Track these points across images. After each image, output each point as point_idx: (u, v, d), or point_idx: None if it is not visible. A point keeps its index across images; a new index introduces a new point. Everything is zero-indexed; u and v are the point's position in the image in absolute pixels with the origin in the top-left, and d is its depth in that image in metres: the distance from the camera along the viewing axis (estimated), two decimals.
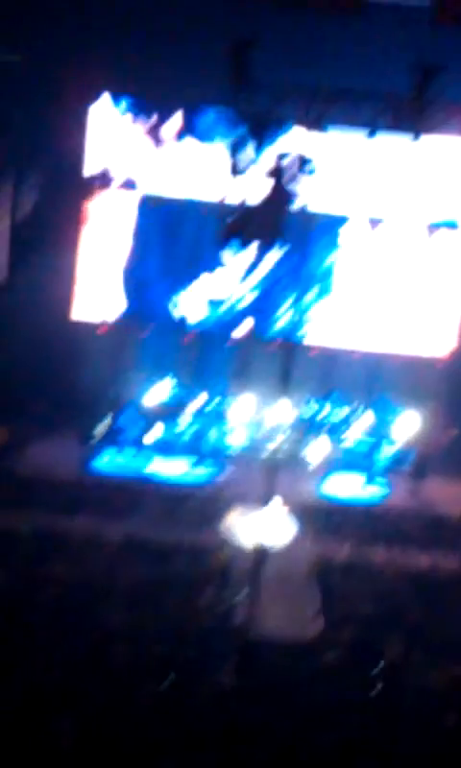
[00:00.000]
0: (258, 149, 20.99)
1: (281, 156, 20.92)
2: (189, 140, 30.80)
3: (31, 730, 15.69)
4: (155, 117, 30.76)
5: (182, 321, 31.74)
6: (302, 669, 19.14)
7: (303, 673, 18.99)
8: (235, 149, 20.40)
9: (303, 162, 23.48)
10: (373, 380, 31.97)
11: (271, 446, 28.43)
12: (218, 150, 29.65)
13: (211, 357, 32.20)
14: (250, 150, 20.60)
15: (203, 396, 30.93)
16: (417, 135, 27.17)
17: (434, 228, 31.31)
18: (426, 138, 27.98)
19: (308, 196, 28.95)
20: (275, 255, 30.53)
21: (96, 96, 30.41)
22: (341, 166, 30.77)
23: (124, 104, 30.64)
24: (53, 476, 26.80)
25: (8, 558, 22.45)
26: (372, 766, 15.68)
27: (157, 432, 30.00)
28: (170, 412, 30.50)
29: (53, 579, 21.74)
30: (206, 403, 30.83)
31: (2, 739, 15.19)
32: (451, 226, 31.29)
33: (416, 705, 17.95)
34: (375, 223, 31.45)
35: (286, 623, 21.38)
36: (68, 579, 21.77)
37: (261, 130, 23.40)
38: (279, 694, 17.83)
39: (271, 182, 20.17)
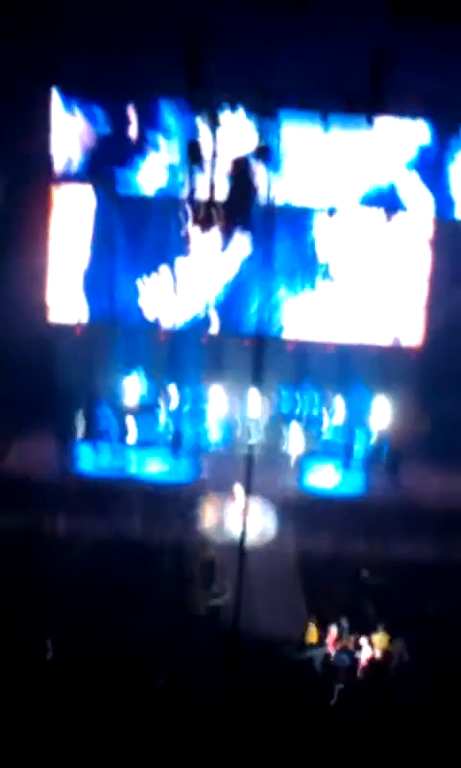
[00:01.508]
0: (214, 142, 20.96)
1: (239, 148, 20.92)
2: (147, 136, 30.79)
3: (30, 734, 15.73)
4: (112, 114, 30.68)
5: (156, 320, 31.64)
6: (291, 664, 19.30)
7: (293, 668, 19.15)
8: (191, 144, 20.37)
9: (262, 153, 23.45)
10: (345, 372, 32.03)
11: (248, 441, 28.49)
12: (175, 144, 29.64)
13: (186, 354, 32.15)
14: (206, 144, 20.57)
15: (179, 394, 30.94)
16: (371, 121, 27.32)
17: (390, 213, 31.36)
18: (379, 123, 28.13)
19: (269, 186, 29.06)
20: (242, 247, 30.52)
21: (51, 93, 30.25)
22: (297, 156, 30.81)
23: (79, 101, 30.51)
24: (34, 477, 26.95)
25: None
26: (367, 760, 15.71)
27: (136, 430, 30.05)
28: (148, 410, 30.57)
29: (38, 579, 21.78)
30: (183, 400, 30.85)
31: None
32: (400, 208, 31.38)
33: (407, 694, 18.06)
34: (334, 212, 31.44)
35: (273, 617, 21.48)
36: (54, 578, 21.82)
37: (216, 124, 23.33)
38: (270, 690, 17.92)
39: (232, 174, 20.15)
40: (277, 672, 19.13)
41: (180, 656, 19.23)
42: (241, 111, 27.34)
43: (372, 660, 20.03)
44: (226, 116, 26.23)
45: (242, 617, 15.94)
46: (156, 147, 30.65)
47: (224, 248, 30.53)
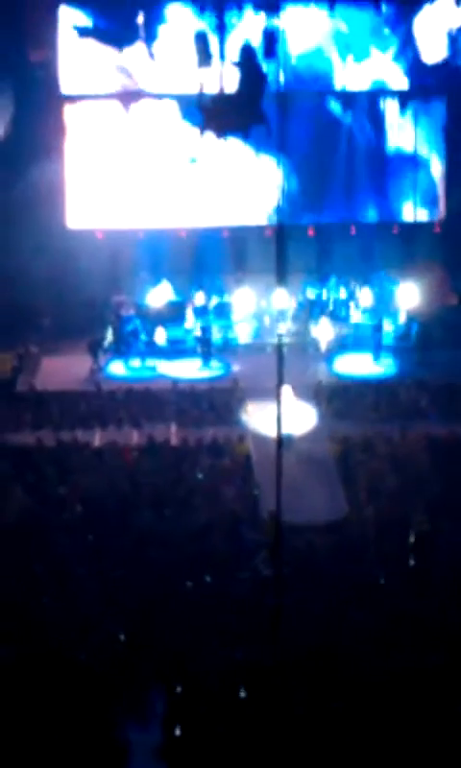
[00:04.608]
0: (222, 36, 20.72)
1: (247, 40, 20.67)
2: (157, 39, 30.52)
3: (81, 634, 16.24)
4: (118, 21, 30.44)
5: (177, 220, 31.52)
6: (333, 550, 19.63)
7: (336, 553, 19.48)
8: (200, 39, 20.14)
9: (270, 42, 23.13)
10: (369, 254, 31.95)
11: (277, 335, 28.54)
12: (184, 43, 29.37)
13: (208, 250, 32.10)
14: (214, 38, 20.38)
15: (204, 291, 31.01)
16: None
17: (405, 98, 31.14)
18: None
19: (280, 75, 28.72)
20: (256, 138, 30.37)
21: (57, 6, 30.05)
22: (306, 42, 30.51)
23: (86, 12, 30.28)
24: (68, 389, 27.11)
25: (35, 472, 22.90)
26: (411, 637, 16.17)
27: (164, 334, 30.16)
28: (174, 312, 30.56)
29: (81, 489, 22.13)
30: (208, 297, 30.92)
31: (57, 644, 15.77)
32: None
33: (449, 571, 18.41)
34: (349, 97, 31.14)
35: (313, 507, 21.80)
36: (96, 488, 22.15)
37: (223, 17, 23.13)
38: (315, 576, 18.33)
39: (242, 67, 19.94)
40: (320, 559, 19.50)
41: (224, 552, 19.62)
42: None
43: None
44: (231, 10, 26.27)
45: (282, 510, 16.14)
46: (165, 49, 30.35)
47: (239, 140, 30.34)
